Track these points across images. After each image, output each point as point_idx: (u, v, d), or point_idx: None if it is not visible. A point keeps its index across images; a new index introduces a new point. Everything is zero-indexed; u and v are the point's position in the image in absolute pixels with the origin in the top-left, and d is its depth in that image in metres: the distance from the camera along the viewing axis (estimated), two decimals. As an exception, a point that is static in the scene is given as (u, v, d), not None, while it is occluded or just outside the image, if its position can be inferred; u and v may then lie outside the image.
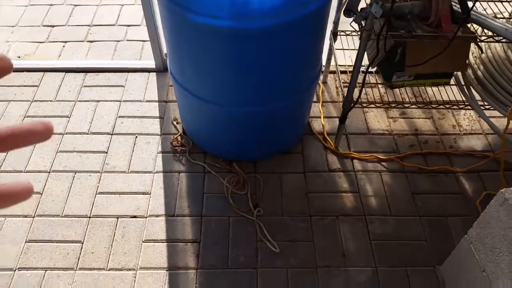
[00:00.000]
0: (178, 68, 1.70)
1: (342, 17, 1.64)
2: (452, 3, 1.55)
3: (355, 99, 1.75)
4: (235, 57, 1.48)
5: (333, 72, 2.36)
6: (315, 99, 2.19)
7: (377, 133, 2.08)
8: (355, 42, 2.13)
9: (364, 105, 1.86)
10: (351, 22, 1.52)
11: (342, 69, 2.23)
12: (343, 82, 2.25)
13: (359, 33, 1.57)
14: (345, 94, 1.76)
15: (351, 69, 2.29)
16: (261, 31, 1.38)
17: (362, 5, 1.62)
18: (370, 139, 2.05)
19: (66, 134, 2.05)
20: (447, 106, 1.86)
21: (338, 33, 2.09)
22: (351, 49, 2.09)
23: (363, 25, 1.52)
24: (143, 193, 1.82)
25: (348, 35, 2.10)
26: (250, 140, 1.86)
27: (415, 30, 1.55)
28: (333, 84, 2.33)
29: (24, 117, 2.12)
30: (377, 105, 1.86)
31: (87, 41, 2.58)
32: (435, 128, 2.11)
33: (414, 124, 2.12)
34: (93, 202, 1.79)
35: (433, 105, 1.87)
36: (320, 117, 2.15)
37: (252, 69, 1.53)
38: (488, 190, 1.85)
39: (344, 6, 1.59)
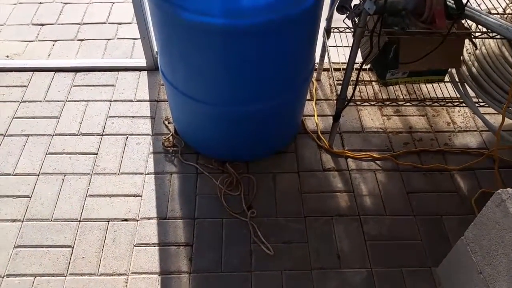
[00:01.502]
0: (169, 67, 1.67)
1: (336, 13, 1.61)
2: (446, -1, 1.52)
3: (349, 97, 1.73)
4: (227, 55, 1.45)
5: (327, 70, 2.33)
6: (308, 97, 2.17)
7: (371, 131, 2.05)
8: (348, 39, 2.10)
9: (358, 103, 1.84)
10: (344, 19, 1.49)
11: (336, 66, 2.20)
12: (336, 80, 2.22)
13: (352, 30, 1.54)
14: (339, 92, 1.74)
15: (344, 66, 2.27)
16: (254, 28, 1.35)
17: (355, 1, 1.59)
18: (364, 137, 2.03)
19: (55, 135, 2.01)
20: (442, 103, 1.84)
21: (332, 30, 2.06)
22: (344, 46, 2.07)
23: (357, 22, 1.49)
24: (134, 196, 1.78)
25: (341, 32, 2.07)
26: (243, 140, 1.83)
27: (409, 26, 1.53)
28: (326, 82, 2.30)
29: (13, 118, 2.08)
30: (371, 103, 1.83)
31: (77, 40, 2.53)
32: (430, 126, 2.09)
33: (409, 122, 2.10)
34: (83, 205, 1.75)
35: (427, 103, 1.85)
36: (313, 115, 2.12)
37: (245, 68, 1.49)
38: (483, 188, 1.83)
39: (337, 3, 1.56)
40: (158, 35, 1.59)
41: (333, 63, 2.03)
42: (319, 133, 2.03)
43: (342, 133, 2.04)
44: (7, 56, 2.43)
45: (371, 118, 2.12)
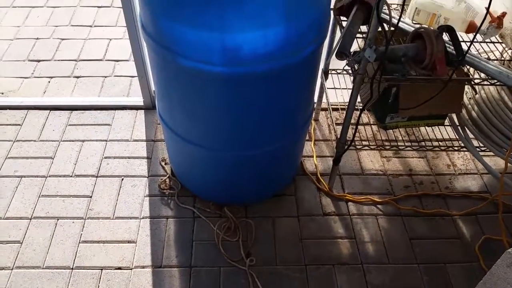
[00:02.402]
0: (167, 110, 1.64)
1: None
2: (446, 45, 1.52)
3: (348, 140, 1.70)
4: (226, 101, 1.43)
5: (325, 110, 2.32)
6: (307, 137, 2.15)
7: (371, 173, 2.03)
8: (346, 80, 2.10)
9: (358, 147, 1.81)
10: (344, 66, 1.48)
11: (334, 106, 2.19)
12: (335, 120, 2.21)
13: (351, 74, 1.53)
14: (338, 135, 1.71)
15: (343, 106, 2.27)
16: (254, 76, 1.34)
17: (355, 47, 1.59)
18: (364, 179, 2.00)
19: (49, 177, 1.96)
20: (442, 147, 1.82)
21: (330, 72, 2.06)
22: (342, 88, 2.06)
23: (356, 68, 1.48)
24: (129, 242, 1.73)
25: (339, 73, 2.07)
26: (241, 183, 1.79)
27: (409, 73, 1.52)
28: (325, 122, 2.28)
29: (6, 158, 2.03)
30: (371, 146, 1.81)
31: (74, 77, 2.51)
32: (430, 168, 2.06)
33: (408, 164, 2.07)
34: (76, 252, 1.69)
35: (427, 147, 1.83)
36: (312, 156, 2.09)
37: (244, 114, 1.47)
38: (487, 234, 1.80)
39: (336, 49, 1.55)
40: (155, 77, 1.58)
41: (331, 103, 2.02)
42: (319, 175, 1.99)
43: (341, 175, 2.01)
44: (2, 93, 2.40)
45: (371, 159, 2.09)
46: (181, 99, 1.50)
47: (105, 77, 2.52)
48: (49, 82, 2.48)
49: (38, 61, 2.61)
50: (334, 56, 1.58)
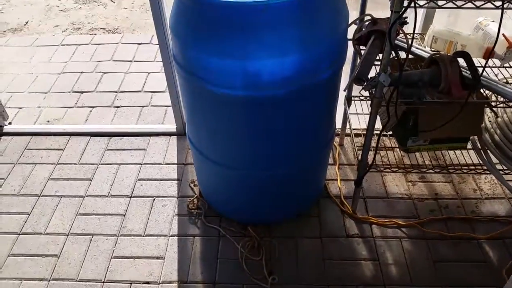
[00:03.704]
0: (194, 132, 1.76)
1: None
2: (462, 69, 1.57)
3: (370, 163, 1.75)
4: (247, 124, 1.53)
5: (349, 135, 2.37)
6: (331, 161, 2.20)
7: (396, 197, 2.04)
8: (368, 106, 2.16)
9: (380, 169, 1.85)
10: (361, 90, 1.55)
11: (357, 132, 2.24)
12: (358, 145, 2.26)
13: (368, 98, 1.60)
14: (359, 157, 1.77)
15: (365, 132, 2.32)
16: (273, 100, 1.43)
17: (373, 72, 1.67)
18: (389, 203, 2.02)
19: (86, 196, 2.10)
20: (465, 170, 1.83)
21: (352, 98, 2.13)
22: (365, 114, 2.11)
23: (373, 92, 1.55)
24: (157, 258, 1.81)
25: (362, 100, 2.13)
26: (264, 203, 1.86)
27: (425, 97, 1.58)
28: (349, 147, 2.33)
29: (48, 179, 2.19)
30: (393, 169, 1.84)
31: (114, 107, 2.70)
32: (456, 192, 2.06)
33: (434, 188, 2.08)
34: (108, 267, 1.79)
35: (450, 170, 1.85)
36: (337, 180, 2.14)
37: (265, 135, 1.56)
38: (515, 258, 1.77)
39: (355, 75, 1.63)
40: (185, 103, 1.70)
41: (354, 129, 2.08)
42: (342, 197, 2.03)
43: (366, 198, 2.04)
44: (48, 121, 2.61)
45: (396, 184, 2.11)
46: (206, 121, 1.61)
47: (143, 106, 2.69)
48: (90, 111, 2.67)
49: (82, 92, 2.82)
50: (352, 81, 1.67)
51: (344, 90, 1.72)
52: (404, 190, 2.08)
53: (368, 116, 2.14)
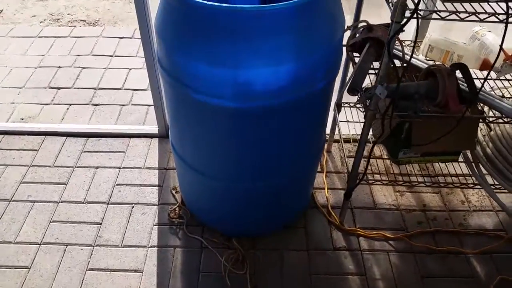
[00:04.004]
0: (178, 139, 1.66)
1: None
2: (460, 82, 1.51)
3: (360, 174, 1.69)
4: (237, 134, 1.44)
5: (337, 141, 2.31)
6: (318, 169, 2.14)
7: (384, 207, 1.99)
8: (358, 113, 2.10)
9: (370, 181, 1.79)
10: (356, 102, 1.49)
11: (346, 138, 2.18)
12: (347, 152, 2.20)
13: (363, 110, 1.53)
14: (350, 168, 1.70)
15: (355, 137, 2.26)
16: (265, 110, 1.35)
17: (367, 81, 1.60)
18: (376, 214, 1.97)
19: (61, 202, 1.99)
20: (456, 184, 1.79)
21: (342, 105, 2.06)
22: (355, 122, 2.06)
23: (368, 104, 1.48)
24: (135, 271, 1.72)
25: (352, 106, 2.07)
26: (250, 215, 1.78)
27: (421, 110, 1.52)
28: (337, 154, 2.27)
29: (20, 183, 2.07)
30: (383, 182, 1.79)
31: (92, 104, 2.57)
32: (444, 204, 2.02)
33: (422, 199, 2.04)
34: (83, 280, 1.69)
35: (441, 184, 1.80)
36: (324, 189, 2.07)
37: (254, 146, 1.48)
38: (503, 274, 1.73)
39: (348, 85, 1.56)
40: (169, 108, 1.61)
41: (343, 135, 2.02)
42: (330, 208, 1.97)
43: (353, 209, 1.99)
44: (22, 119, 2.47)
45: (384, 193, 2.06)
46: (192, 130, 1.52)
47: (123, 105, 2.57)
48: (67, 109, 2.54)
49: (59, 88, 2.68)
50: (346, 91, 1.60)
51: (338, 102, 1.65)
52: (392, 200, 2.03)
53: (358, 123, 2.10)
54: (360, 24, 1.70)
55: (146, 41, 1.95)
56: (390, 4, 1.31)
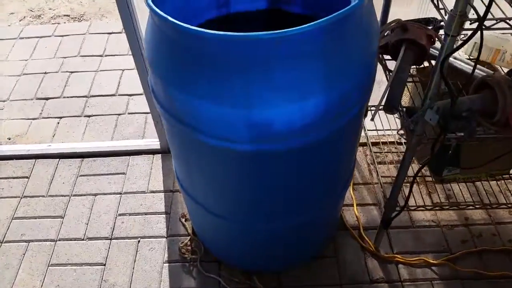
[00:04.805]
0: (184, 175, 1.42)
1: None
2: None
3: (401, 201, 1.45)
4: (252, 177, 1.20)
5: (363, 145, 2.05)
6: (344, 182, 1.89)
7: (423, 225, 1.76)
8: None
9: (411, 208, 1.55)
10: (400, 129, 1.22)
11: (374, 140, 1.93)
12: (375, 158, 1.94)
13: (404, 138, 1.27)
14: (381, 179, 1.46)
15: (383, 139, 2.00)
16: (287, 152, 1.09)
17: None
18: (415, 233, 1.73)
19: (59, 240, 1.77)
20: (510, 205, 1.55)
21: (369, 108, 1.80)
22: (382, 120, 1.79)
23: (412, 128, 1.22)
24: (148, 325, 1.52)
25: (379, 110, 1.80)
26: (271, 251, 1.55)
27: (476, 130, 1.25)
28: (363, 160, 2.02)
29: (12, 219, 1.85)
30: (427, 207, 1.55)
31: (84, 116, 2.32)
32: (488, 215, 1.78)
33: (464, 212, 1.80)
34: (89, 339, 1.50)
35: (493, 205, 1.55)
36: (352, 205, 1.84)
37: (273, 187, 1.23)
38: None
39: (385, 102, 1.30)
40: (169, 141, 1.35)
41: (370, 137, 1.76)
42: (361, 230, 1.74)
43: (388, 229, 1.75)
44: (9, 139, 2.22)
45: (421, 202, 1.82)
46: (200, 170, 1.27)
47: (119, 115, 2.31)
48: (58, 123, 2.29)
49: (47, 99, 2.42)
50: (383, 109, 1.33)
51: (372, 120, 1.39)
52: (431, 215, 1.79)
53: (385, 121, 1.83)
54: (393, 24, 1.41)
55: (134, 44, 1.67)
56: (443, 12, 1.03)
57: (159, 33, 1.02)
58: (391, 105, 1.28)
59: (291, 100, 0.99)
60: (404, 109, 1.26)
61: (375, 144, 1.99)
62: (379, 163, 1.95)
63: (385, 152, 1.96)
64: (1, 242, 1.77)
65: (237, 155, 1.10)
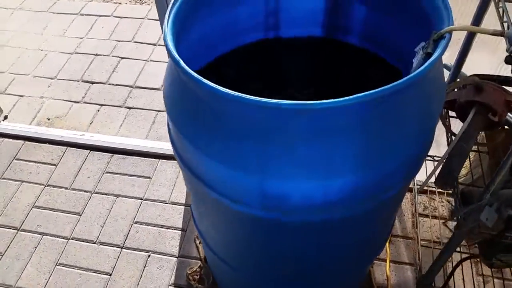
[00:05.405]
0: (198, 217, 1.28)
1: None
2: None
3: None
4: (269, 243, 1.04)
5: (409, 191, 1.82)
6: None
7: (461, 306, 1.53)
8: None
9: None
10: (451, 219, 1.02)
11: (421, 185, 1.70)
12: (422, 209, 1.72)
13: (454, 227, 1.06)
14: (422, 265, 1.25)
15: (432, 188, 1.77)
16: (307, 224, 0.93)
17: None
18: (450, 312, 1.51)
19: (71, 239, 1.73)
20: None
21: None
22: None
23: (463, 218, 1.00)
24: None
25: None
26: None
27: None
28: (408, 209, 1.79)
29: (33, 206, 1.83)
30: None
31: (125, 107, 2.26)
32: (546, 307, 1.52)
33: (510, 286, 1.54)
34: None
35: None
36: (385, 261, 1.63)
37: (286, 255, 1.07)
38: None
39: (438, 176, 1.08)
40: (186, 185, 1.22)
41: (417, 181, 1.54)
42: (389, 294, 1.54)
43: (419, 299, 1.54)
44: (48, 119, 2.21)
45: (462, 277, 1.59)
46: (211, 219, 1.13)
47: (158, 111, 2.23)
48: (98, 110, 2.25)
49: (92, 83, 2.38)
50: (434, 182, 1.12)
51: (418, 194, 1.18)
52: (474, 291, 1.55)
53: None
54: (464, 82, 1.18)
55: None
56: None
57: (179, 82, 0.88)
58: (445, 180, 1.06)
59: (311, 178, 0.81)
60: (459, 190, 1.04)
61: (423, 192, 1.76)
62: (425, 215, 1.72)
63: (434, 204, 1.73)
64: (18, 230, 1.76)
65: (249, 217, 0.95)
